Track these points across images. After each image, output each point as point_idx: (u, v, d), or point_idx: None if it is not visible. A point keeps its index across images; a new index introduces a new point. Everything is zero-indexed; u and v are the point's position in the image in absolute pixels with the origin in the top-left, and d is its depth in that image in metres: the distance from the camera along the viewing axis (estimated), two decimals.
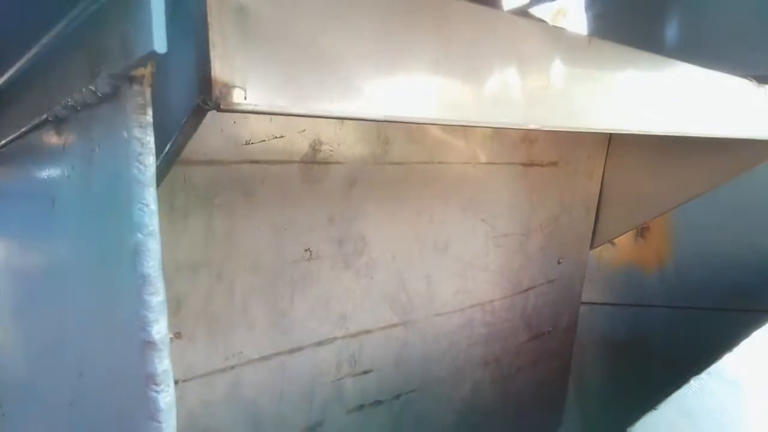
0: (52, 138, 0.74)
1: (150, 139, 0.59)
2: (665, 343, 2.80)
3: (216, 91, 0.52)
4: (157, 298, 0.58)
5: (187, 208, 1.11)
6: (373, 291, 1.50)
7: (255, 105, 0.56)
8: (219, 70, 0.53)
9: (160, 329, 0.58)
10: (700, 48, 3.28)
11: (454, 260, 1.72)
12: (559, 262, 2.13)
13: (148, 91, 0.59)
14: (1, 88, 0.82)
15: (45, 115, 0.73)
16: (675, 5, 3.42)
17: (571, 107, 0.89)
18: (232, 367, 1.26)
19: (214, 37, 0.52)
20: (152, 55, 0.54)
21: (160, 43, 0.53)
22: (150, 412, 0.58)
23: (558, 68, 0.86)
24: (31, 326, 0.89)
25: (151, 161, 0.59)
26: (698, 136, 1.23)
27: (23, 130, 0.81)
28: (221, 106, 0.53)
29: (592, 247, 2.26)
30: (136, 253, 0.58)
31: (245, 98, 0.54)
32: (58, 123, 0.72)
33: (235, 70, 0.54)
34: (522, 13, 3.82)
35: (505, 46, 0.80)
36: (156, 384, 0.58)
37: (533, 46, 0.84)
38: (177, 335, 1.12)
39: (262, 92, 0.56)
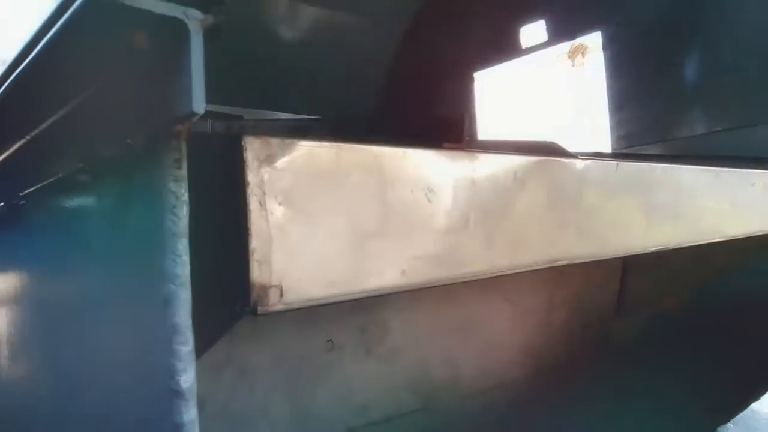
0: (89, 185, 0.77)
1: (184, 192, 0.61)
2: (688, 379, 2.73)
3: (254, 295, 0.55)
4: (186, 347, 0.60)
5: None
6: (395, 377, 1.49)
7: (290, 303, 0.60)
8: (257, 273, 0.56)
9: (188, 379, 0.60)
10: (721, 85, 3.28)
11: (478, 341, 1.70)
12: (583, 330, 2.10)
13: (184, 146, 0.61)
14: (42, 133, 0.86)
15: (84, 163, 0.76)
16: (695, 42, 3.43)
17: (598, 234, 0.92)
18: None
19: (254, 243, 0.56)
20: (191, 115, 0.56)
21: (198, 104, 0.56)
22: None
23: (585, 199, 0.89)
24: (61, 366, 0.91)
25: (184, 213, 0.61)
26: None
27: (61, 175, 0.84)
28: (258, 311, 0.56)
29: (617, 316, 2.23)
30: (167, 303, 0.60)
31: (281, 297, 0.57)
32: (97, 171, 0.75)
33: (272, 270, 0.57)
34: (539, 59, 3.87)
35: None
36: None
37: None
38: None
39: (298, 287, 0.60)
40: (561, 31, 4.24)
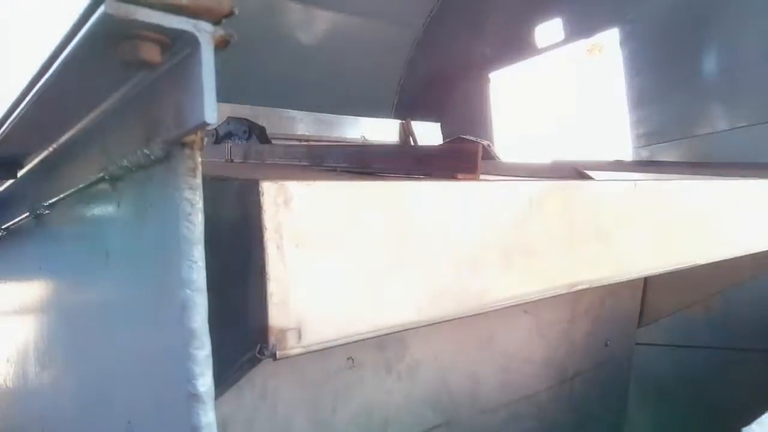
0: (108, 194, 0.79)
1: (199, 199, 0.62)
2: (714, 386, 2.69)
3: (272, 339, 0.57)
4: (203, 352, 0.61)
5: None
6: (415, 393, 1.48)
7: (308, 345, 0.60)
8: (276, 316, 0.57)
9: (205, 382, 0.61)
10: (742, 81, 3.23)
11: (498, 354, 1.69)
12: (606, 345, 2.08)
13: (198, 155, 0.63)
14: (63, 145, 0.89)
15: (102, 173, 0.78)
16: (715, 37, 3.38)
17: (617, 256, 0.91)
18: None
19: (272, 286, 0.58)
20: (203, 125, 0.58)
21: (210, 114, 0.57)
22: None
23: (603, 221, 0.89)
24: (82, 372, 0.93)
25: (199, 220, 0.63)
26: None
27: (82, 185, 0.86)
28: (277, 356, 0.57)
29: (639, 326, 2.20)
30: (184, 308, 0.61)
31: (299, 339, 0.58)
32: (114, 181, 0.77)
33: (290, 313, 0.58)
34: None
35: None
36: None
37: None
38: None
39: (316, 329, 0.61)
40: (577, 30, 4.22)
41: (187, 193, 0.62)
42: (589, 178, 0.91)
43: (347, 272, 0.64)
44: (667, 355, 2.86)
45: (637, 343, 2.46)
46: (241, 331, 0.61)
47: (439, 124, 5.09)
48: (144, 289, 0.71)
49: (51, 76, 0.65)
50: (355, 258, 0.65)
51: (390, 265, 0.67)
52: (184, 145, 0.62)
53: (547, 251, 0.81)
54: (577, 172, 0.91)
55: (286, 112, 4.37)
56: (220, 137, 3.28)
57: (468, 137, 3.71)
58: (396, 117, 5.19)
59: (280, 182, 0.61)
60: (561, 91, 4.52)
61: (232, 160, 1.21)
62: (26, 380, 1.22)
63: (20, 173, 1.05)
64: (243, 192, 0.62)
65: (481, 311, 0.74)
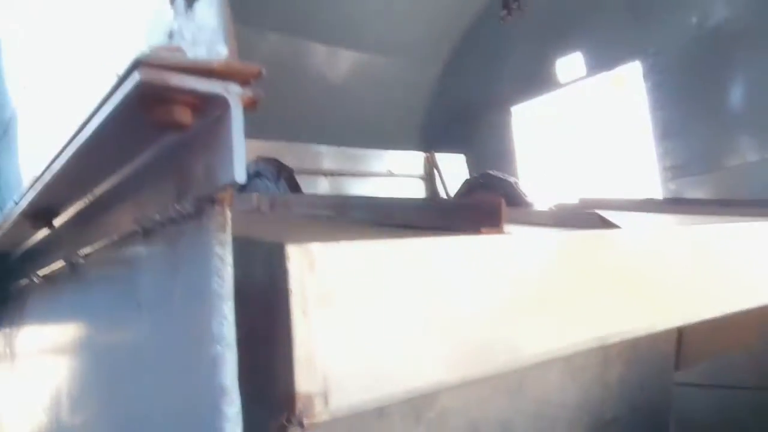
0: (141, 247, 0.81)
1: (229, 255, 0.63)
2: (757, 429, 2.58)
3: (299, 405, 0.56)
4: (233, 408, 0.61)
5: None
6: None
7: (336, 411, 0.60)
8: (302, 382, 0.57)
9: None
10: (766, 108, 3.18)
11: (530, 400, 1.65)
12: (642, 389, 2.02)
13: (228, 212, 0.64)
14: (99, 197, 0.91)
15: (136, 226, 0.80)
16: (736, 67, 3.35)
17: (649, 307, 0.90)
18: None
19: (298, 351, 0.58)
20: (233, 184, 0.59)
21: (240, 174, 0.58)
22: None
23: (633, 271, 0.88)
24: (113, 421, 0.94)
25: (229, 275, 0.63)
26: None
27: (116, 236, 0.89)
28: (304, 425, 0.57)
29: (677, 369, 2.13)
30: (214, 364, 0.62)
31: (326, 405, 0.58)
32: (147, 234, 0.78)
33: (317, 378, 0.58)
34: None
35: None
36: None
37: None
38: None
39: (343, 394, 0.60)
40: (598, 63, 4.23)
41: (218, 249, 0.63)
42: (614, 226, 0.89)
43: (374, 333, 0.63)
44: (708, 397, 2.76)
45: (677, 383, 2.38)
46: (269, 392, 0.60)
47: (463, 156, 5.11)
48: (175, 342, 0.72)
49: (88, 134, 0.67)
50: (381, 318, 0.64)
51: (417, 324, 0.66)
52: (214, 201, 0.64)
53: (576, 305, 0.80)
54: (602, 220, 0.90)
55: (313, 147, 4.45)
56: (249, 176, 3.35)
57: (495, 173, 3.71)
58: (421, 150, 5.24)
59: (305, 245, 0.61)
60: (585, 123, 4.51)
61: (259, 209, 1.23)
62: (60, 426, 1.23)
63: (57, 222, 1.08)
64: (269, 255, 0.62)
65: (510, 368, 0.73)
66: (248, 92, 0.60)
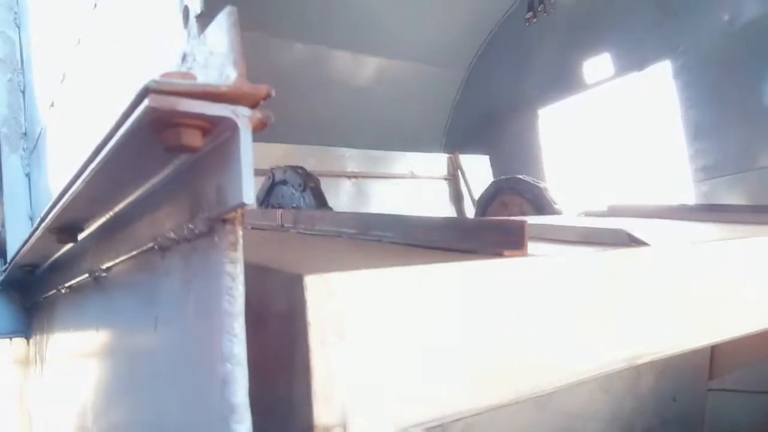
0: (157, 263, 0.82)
1: (240, 273, 0.64)
2: None
3: None
4: (243, 426, 0.62)
5: None
6: None
7: None
8: (320, 415, 0.56)
9: None
10: None
11: (559, 414, 1.63)
12: (674, 400, 1.97)
13: (239, 230, 0.65)
14: (118, 214, 0.93)
15: (152, 243, 0.82)
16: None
17: (680, 326, 0.88)
18: None
19: (316, 384, 0.57)
20: (241, 206, 0.60)
21: (249, 195, 0.59)
22: None
23: (663, 289, 0.86)
24: (130, 429, 0.96)
25: (240, 293, 0.64)
26: None
27: (135, 252, 0.91)
28: None
29: (710, 378, 2.07)
30: (225, 382, 0.62)
31: None
32: (163, 251, 0.80)
33: (335, 410, 0.57)
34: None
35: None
36: None
37: None
38: None
39: (363, 425, 0.60)
40: (627, 64, 4.16)
41: (228, 267, 0.64)
42: (643, 243, 0.87)
43: (394, 362, 0.62)
44: (742, 402, 2.68)
45: (709, 390, 2.32)
46: (287, 423, 0.60)
47: (487, 157, 5.08)
48: (188, 359, 0.73)
49: (103, 157, 0.69)
50: (402, 346, 0.63)
51: (439, 352, 0.65)
52: (225, 221, 0.65)
53: (604, 327, 0.77)
54: (631, 237, 0.87)
55: (337, 150, 4.48)
56: (275, 182, 3.37)
57: (525, 178, 3.67)
58: (445, 153, 5.22)
59: (324, 275, 0.60)
60: (614, 124, 4.43)
61: (282, 226, 1.24)
62: (82, 430, 1.26)
63: (80, 237, 1.11)
64: (288, 285, 0.61)
65: (537, 393, 0.71)
66: (257, 114, 0.61)
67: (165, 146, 0.60)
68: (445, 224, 0.87)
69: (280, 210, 1.37)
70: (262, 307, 0.65)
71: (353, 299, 0.61)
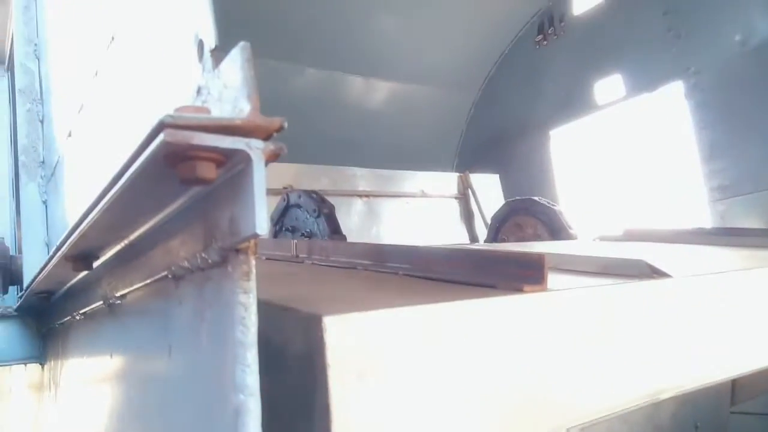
0: (171, 292, 0.83)
1: (252, 303, 0.64)
2: None
3: None
4: None
5: None
6: None
7: None
8: None
9: None
10: None
11: None
12: (696, 428, 1.93)
13: (252, 260, 0.65)
14: (133, 243, 0.94)
15: (166, 272, 0.82)
16: None
17: (702, 359, 0.87)
18: None
19: (336, 426, 0.57)
20: (254, 236, 0.60)
21: (262, 226, 0.60)
22: None
23: (684, 321, 0.85)
24: None
25: (253, 323, 0.64)
26: None
27: (149, 280, 0.91)
28: None
29: (732, 404, 2.03)
30: (237, 413, 0.62)
31: None
32: (177, 280, 0.80)
33: None
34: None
35: None
36: None
37: None
38: None
39: None
40: (638, 85, 4.16)
41: (242, 297, 0.64)
42: (665, 275, 0.86)
43: (414, 401, 0.62)
44: (766, 426, 2.62)
45: (732, 412, 2.26)
46: None
47: (497, 176, 5.07)
48: (201, 388, 0.73)
49: (119, 187, 0.70)
50: (422, 386, 0.63)
51: (459, 392, 0.64)
52: (238, 251, 0.65)
53: (625, 362, 0.76)
54: (651, 268, 0.86)
55: (348, 170, 4.51)
56: (289, 205, 3.38)
57: (540, 199, 3.65)
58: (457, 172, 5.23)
59: (343, 315, 0.60)
60: (626, 145, 4.42)
61: (297, 256, 1.25)
62: None
63: (96, 264, 1.12)
64: (307, 326, 0.61)
65: (558, 430, 0.70)
66: (270, 146, 0.62)
67: (180, 179, 0.61)
68: (462, 256, 0.86)
69: (295, 241, 1.38)
70: (280, 346, 0.65)
71: (372, 339, 0.61)
